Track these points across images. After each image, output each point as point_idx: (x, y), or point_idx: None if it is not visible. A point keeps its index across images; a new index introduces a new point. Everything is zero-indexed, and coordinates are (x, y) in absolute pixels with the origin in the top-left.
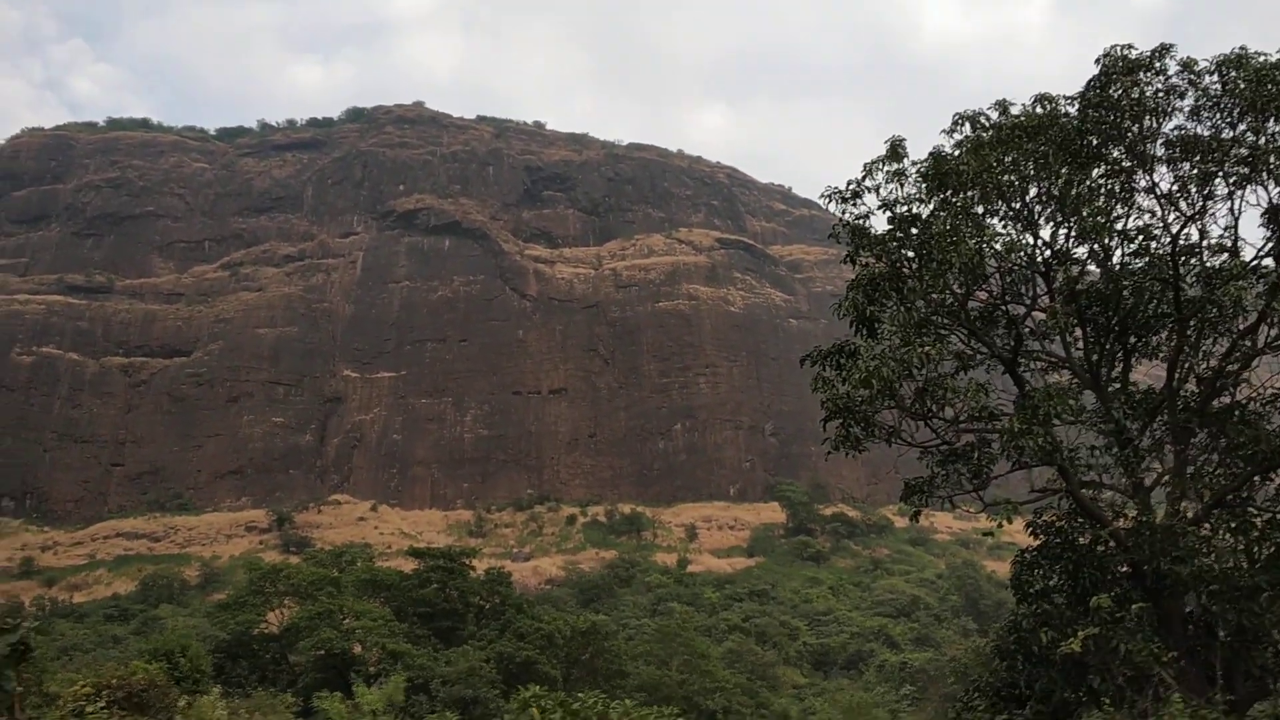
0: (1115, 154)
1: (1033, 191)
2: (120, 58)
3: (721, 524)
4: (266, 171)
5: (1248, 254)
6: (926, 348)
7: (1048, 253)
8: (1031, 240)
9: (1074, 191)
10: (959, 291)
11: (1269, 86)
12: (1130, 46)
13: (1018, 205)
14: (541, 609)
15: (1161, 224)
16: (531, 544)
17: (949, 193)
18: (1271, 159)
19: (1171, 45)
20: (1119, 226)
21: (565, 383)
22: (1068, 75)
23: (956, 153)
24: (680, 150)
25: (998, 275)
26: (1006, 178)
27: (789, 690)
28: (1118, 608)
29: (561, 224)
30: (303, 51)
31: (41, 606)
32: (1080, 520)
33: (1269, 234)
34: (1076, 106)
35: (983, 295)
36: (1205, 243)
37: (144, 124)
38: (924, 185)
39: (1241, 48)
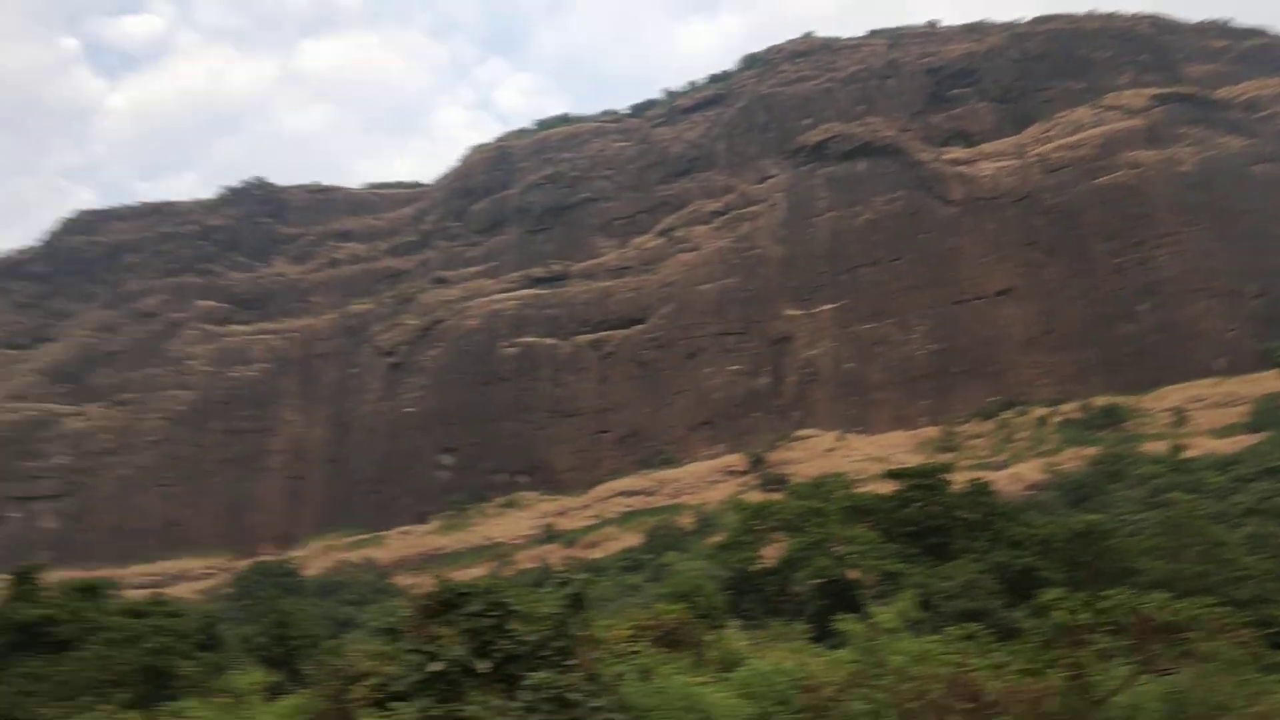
0: None
1: None
2: (534, 65)
3: (1213, 402)
4: (679, 136)
5: None
6: None
7: None
8: None
9: None
10: None
11: None
12: None
13: None
14: (1029, 515)
15: None
16: (1006, 451)
17: None
18: None
19: None
20: None
21: (1008, 282)
22: None
23: None
24: (1091, 11)
25: None
26: None
27: None
28: None
29: (974, 120)
30: (688, 14)
31: (568, 565)
32: None
33: None
34: None
35: None
36: None
37: (564, 119)
38: None
39: None
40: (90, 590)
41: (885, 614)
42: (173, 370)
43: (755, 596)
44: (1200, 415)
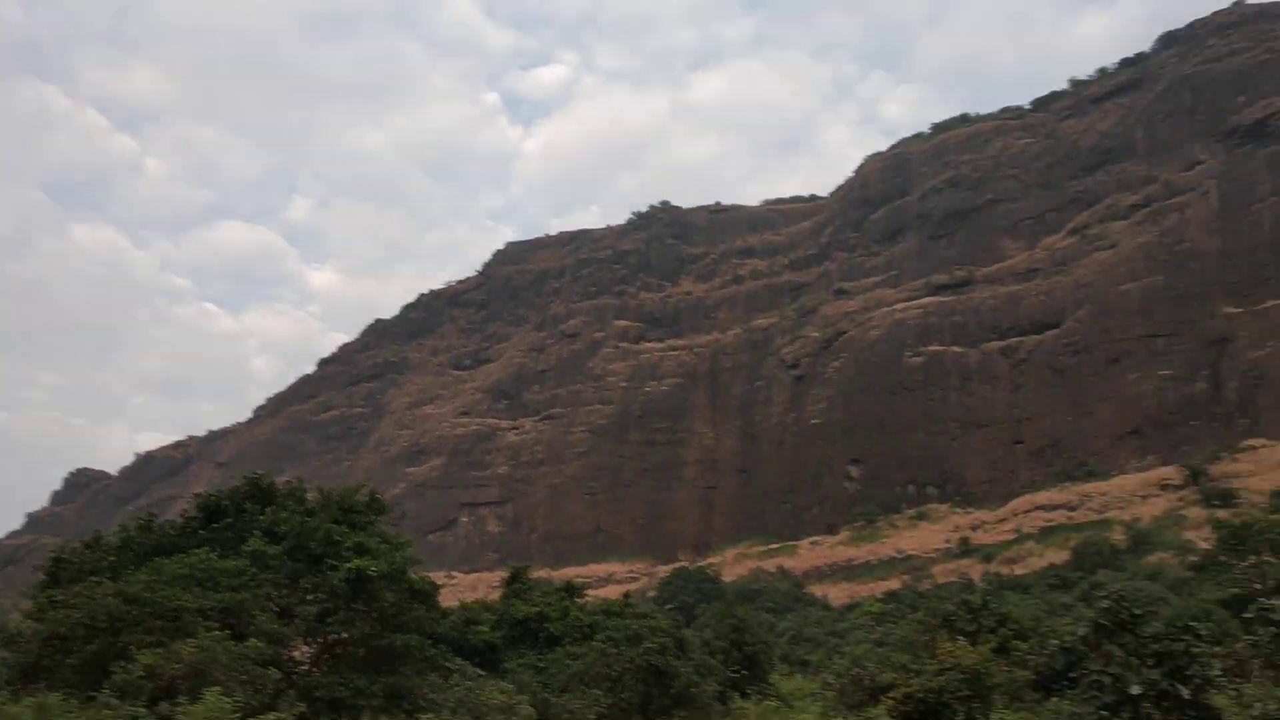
0: None
1: None
2: (917, 76)
3: None
4: (1090, 127)
5: None
6: None
7: None
8: None
9: None
10: None
11: None
12: None
13: None
14: None
15: None
16: None
17: None
18: None
19: None
20: None
21: None
22: None
23: None
24: None
25: None
26: None
27: None
28: None
29: None
30: (1082, 5)
31: (989, 581)
32: None
33: None
34: None
35: None
36: None
37: (963, 119)
38: None
39: None
40: (571, 590)
41: None
42: (594, 386)
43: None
44: None
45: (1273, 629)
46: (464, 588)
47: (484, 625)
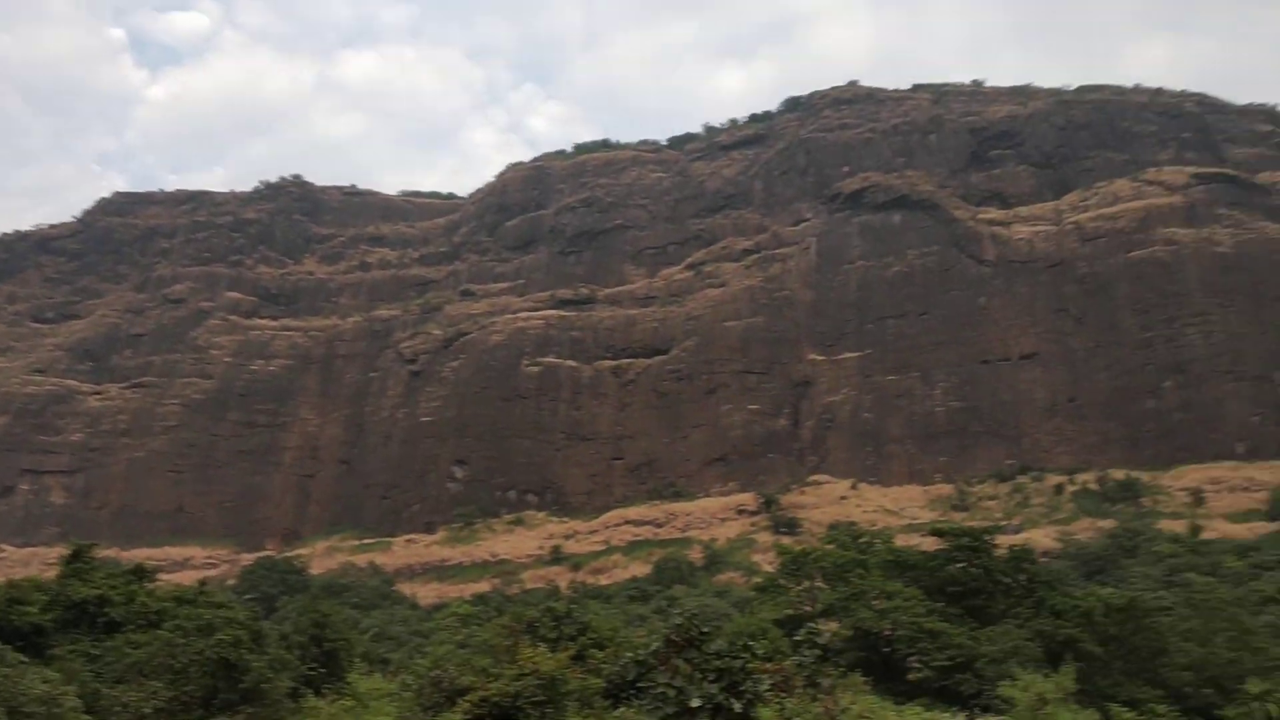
0: None
1: None
2: (566, 94)
3: (1232, 486)
4: (717, 172)
5: None
6: None
7: None
8: None
9: None
10: None
11: None
12: None
13: None
14: (1071, 586)
15: None
16: (1019, 515)
17: None
18: None
19: None
20: None
21: (1035, 347)
22: None
23: None
24: (1138, 85)
25: None
26: None
27: None
28: None
29: (1013, 182)
30: (724, 57)
31: (576, 589)
32: None
33: None
34: None
35: None
36: None
37: (604, 144)
38: None
39: None
40: (141, 574)
41: (1045, 684)
42: (194, 358)
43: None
44: (1218, 498)
45: (816, 650)
46: (14, 563)
47: (33, 606)
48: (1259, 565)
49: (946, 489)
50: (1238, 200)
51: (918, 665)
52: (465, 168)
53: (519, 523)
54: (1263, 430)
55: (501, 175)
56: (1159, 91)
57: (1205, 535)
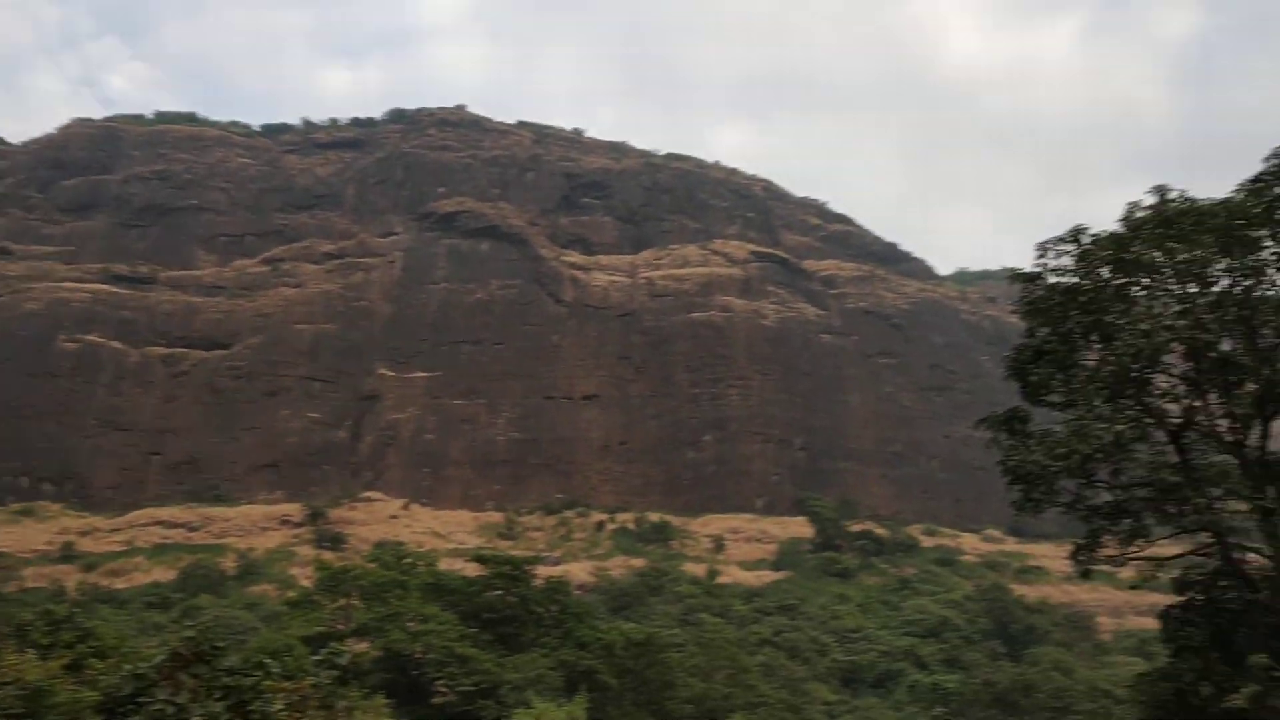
0: (1269, 242)
1: (1220, 267)
2: (154, 56)
3: (749, 536)
4: (309, 169)
5: None
6: (1120, 426)
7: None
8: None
9: (1241, 270)
10: (1136, 365)
11: None
12: None
13: (1193, 288)
14: (599, 619)
15: None
16: (561, 548)
17: (1126, 275)
18: None
19: None
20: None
21: (598, 389)
22: (1088, 110)
23: (1135, 237)
24: (718, 162)
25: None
26: (1186, 256)
27: (819, 707)
28: (1274, 666)
29: (598, 231)
30: (334, 55)
31: (85, 591)
32: (1226, 581)
33: None
34: (1242, 194)
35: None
36: None
37: (190, 118)
38: (1104, 268)
39: None
40: None
41: (558, 713)
42: None
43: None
44: (736, 546)
45: (334, 671)
46: None
47: None
48: (761, 610)
49: (497, 516)
50: (785, 280)
51: (443, 689)
52: (22, 114)
53: (28, 513)
54: (780, 488)
55: (65, 128)
56: (734, 172)
57: (721, 580)
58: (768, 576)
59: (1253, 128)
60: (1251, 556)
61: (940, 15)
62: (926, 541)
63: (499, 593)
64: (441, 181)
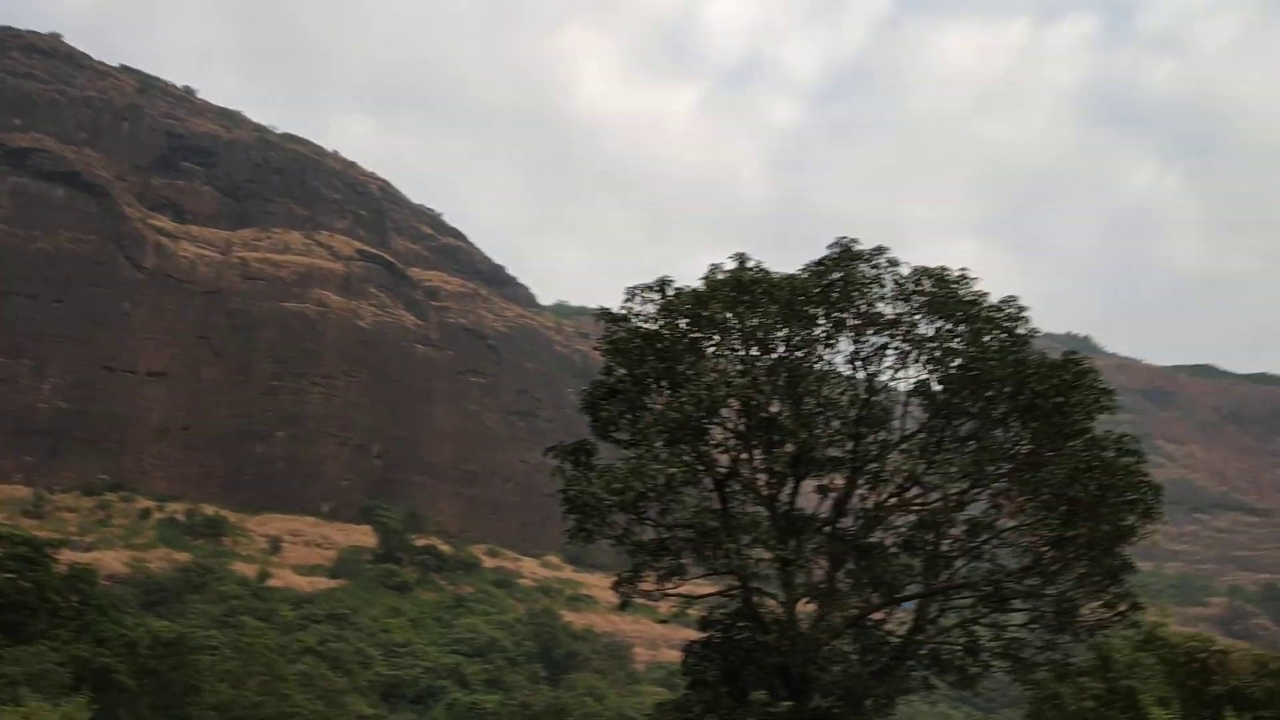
0: (822, 320)
1: (780, 335)
2: None
3: (309, 540)
4: None
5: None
6: (673, 469)
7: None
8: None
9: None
10: (697, 414)
11: (951, 290)
12: (855, 240)
13: (755, 351)
14: (127, 614)
15: (848, 381)
16: (95, 534)
17: (700, 331)
18: (930, 346)
19: (886, 247)
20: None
21: (166, 367)
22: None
23: (713, 297)
24: (336, 152)
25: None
26: (753, 321)
27: None
28: (770, 702)
29: (195, 199)
30: None
31: None
32: (743, 623)
33: (922, 404)
34: (806, 274)
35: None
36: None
37: None
38: (683, 321)
39: (942, 267)
40: None
41: (52, 714)
42: None
43: None
44: (294, 549)
45: None
46: None
47: None
48: (309, 617)
49: (25, 491)
50: (388, 285)
51: None
52: None
53: None
54: (350, 494)
55: None
56: (352, 165)
57: (272, 583)
58: (322, 583)
59: (827, 215)
60: (769, 602)
61: (578, 56)
62: (489, 562)
63: (10, 576)
64: (18, 112)
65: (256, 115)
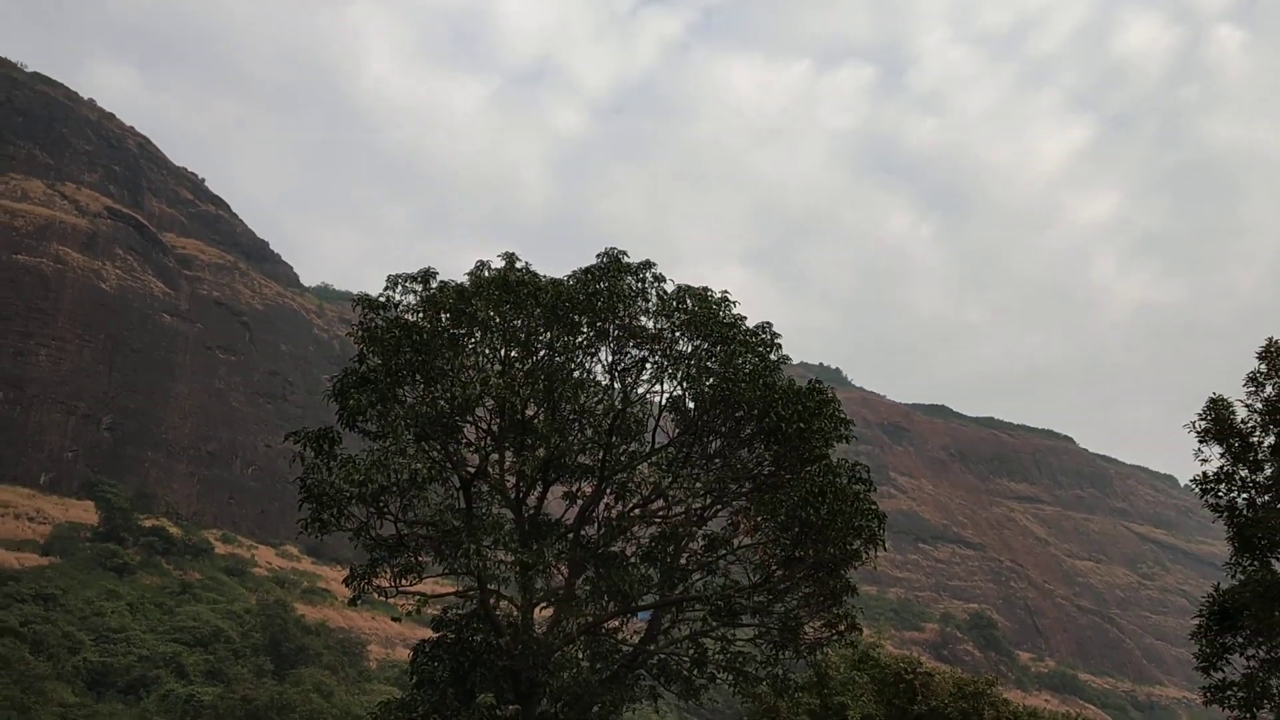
0: (585, 328)
1: (543, 338)
2: None
3: (20, 513)
4: None
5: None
6: (419, 464)
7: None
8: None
9: (558, 346)
10: (450, 411)
11: (712, 311)
12: (624, 252)
13: (516, 352)
14: None
15: (605, 390)
16: None
17: (462, 327)
18: (687, 363)
19: (653, 262)
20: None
21: None
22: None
23: (478, 294)
24: (92, 100)
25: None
26: (516, 322)
27: (54, 709)
28: (498, 705)
29: None
30: None
31: None
32: (478, 624)
33: (674, 420)
34: (573, 280)
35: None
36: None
37: None
38: (445, 315)
39: (705, 288)
40: None
41: None
42: None
43: None
44: (2, 523)
45: None
46: None
47: None
48: (13, 596)
49: None
50: (138, 248)
51: None
52: None
53: None
54: (73, 466)
55: None
56: (110, 117)
57: None
58: (31, 560)
59: (604, 226)
60: (505, 604)
61: (365, 35)
62: (221, 548)
63: None
64: None
65: (6, 50)
